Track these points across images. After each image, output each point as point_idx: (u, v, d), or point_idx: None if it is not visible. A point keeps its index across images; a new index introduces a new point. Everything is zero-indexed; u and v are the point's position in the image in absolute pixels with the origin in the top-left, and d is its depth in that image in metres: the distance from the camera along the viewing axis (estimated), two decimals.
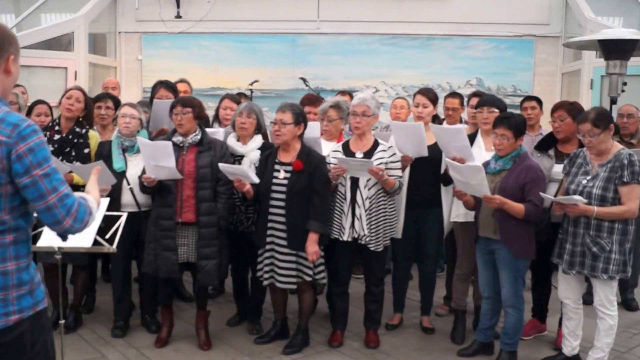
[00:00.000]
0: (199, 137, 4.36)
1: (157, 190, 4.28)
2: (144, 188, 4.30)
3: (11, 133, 2.03)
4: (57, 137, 4.66)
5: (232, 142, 4.62)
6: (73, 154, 4.64)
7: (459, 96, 6.01)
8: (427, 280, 4.91)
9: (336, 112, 4.70)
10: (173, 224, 4.26)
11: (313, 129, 4.58)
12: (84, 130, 4.72)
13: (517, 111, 5.10)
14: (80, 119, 4.76)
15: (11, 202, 2.10)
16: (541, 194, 3.92)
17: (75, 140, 4.67)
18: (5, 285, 2.11)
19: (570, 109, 4.42)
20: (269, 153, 4.41)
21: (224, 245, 4.41)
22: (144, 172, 4.25)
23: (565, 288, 4.15)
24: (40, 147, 2.08)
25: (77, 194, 2.24)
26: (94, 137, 4.78)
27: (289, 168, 4.26)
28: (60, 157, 4.53)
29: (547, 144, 4.54)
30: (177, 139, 4.35)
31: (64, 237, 2.26)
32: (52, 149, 4.57)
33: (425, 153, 4.44)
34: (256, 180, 4.13)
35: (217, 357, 4.36)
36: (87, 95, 4.86)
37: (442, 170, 4.58)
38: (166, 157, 4.08)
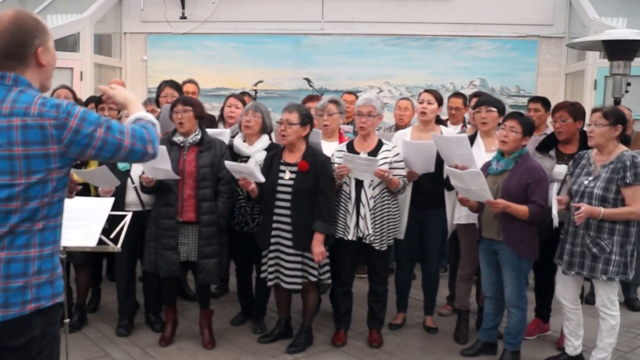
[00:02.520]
0: (199, 137, 4.37)
1: (158, 189, 4.30)
2: (143, 187, 4.33)
3: (57, 114, 2.00)
4: None
5: (238, 142, 4.63)
6: None
7: (463, 96, 6.05)
8: (430, 280, 4.91)
9: (335, 107, 4.78)
10: (174, 223, 4.28)
11: (315, 135, 4.61)
12: None
13: (521, 111, 5.10)
14: None
15: (54, 189, 2.05)
16: (553, 195, 3.92)
17: None
18: (26, 272, 2.00)
19: (571, 109, 4.42)
20: (274, 153, 4.42)
21: (225, 244, 4.42)
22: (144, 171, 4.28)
23: (562, 288, 4.15)
24: (87, 113, 2.05)
25: (132, 117, 2.21)
26: None
27: (295, 169, 4.27)
28: None
29: (548, 144, 4.55)
30: (178, 138, 4.36)
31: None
32: None
33: (432, 169, 4.47)
34: (262, 179, 4.14)
35: (221, 356, 4.38)
36: (73, 91, 4.82)
37: (445, 176, 4.59)
38: (161, 159, 4.07)
